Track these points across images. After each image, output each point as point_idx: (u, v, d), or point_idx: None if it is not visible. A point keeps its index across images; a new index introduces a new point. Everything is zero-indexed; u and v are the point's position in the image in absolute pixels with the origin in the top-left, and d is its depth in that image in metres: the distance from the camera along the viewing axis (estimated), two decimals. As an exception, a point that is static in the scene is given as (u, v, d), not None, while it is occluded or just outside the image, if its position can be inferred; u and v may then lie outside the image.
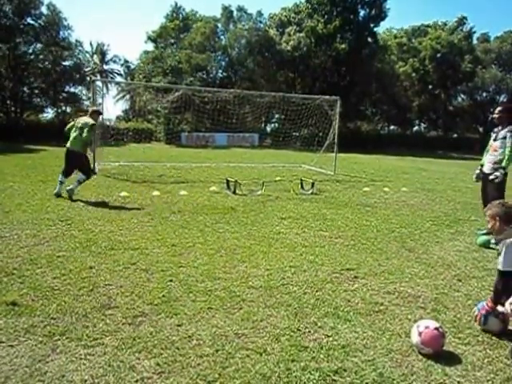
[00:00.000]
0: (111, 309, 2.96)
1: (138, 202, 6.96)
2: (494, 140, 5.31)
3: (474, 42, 38.12)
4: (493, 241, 4.92)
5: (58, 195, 6.96)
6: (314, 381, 2.23)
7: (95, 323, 2.75)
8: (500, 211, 2.78)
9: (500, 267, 2.70)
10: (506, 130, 5.12)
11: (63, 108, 30.83)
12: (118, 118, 41.19)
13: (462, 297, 3.43)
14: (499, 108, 5.34)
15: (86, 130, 6.87)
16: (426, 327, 2.53)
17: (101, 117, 8.74)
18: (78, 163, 7.05)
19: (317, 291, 3.42)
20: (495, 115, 5.34)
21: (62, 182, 7.04)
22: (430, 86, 36.55)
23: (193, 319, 2.86)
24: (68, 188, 6.86)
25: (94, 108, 7.84)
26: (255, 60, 32.69)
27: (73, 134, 7.01)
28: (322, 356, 2.46)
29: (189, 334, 2.65)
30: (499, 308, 2.81)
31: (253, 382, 2.20)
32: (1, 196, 6.88)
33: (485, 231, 5.09)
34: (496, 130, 5.34)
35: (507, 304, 2.88)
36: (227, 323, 2.82)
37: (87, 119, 7.13)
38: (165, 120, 28.24)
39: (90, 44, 45.00)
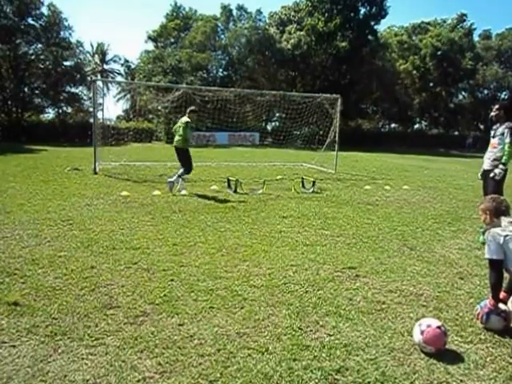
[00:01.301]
0: (113, 308, 2.96)
1: (138, 201, 6.96)
2: (493, 137, 5.36)
3: (476, 39, 38.04)
4: (482, 236, 4.94)
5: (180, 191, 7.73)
6: (316, 380, 2.22)
7: (97, 323, 2.75)
8: (490, 205, 2.99)
9: (487, 256, 2.80)
10: (504, 126, 5.16)
11: (64, 108, 30.80)
12: (118, 117, 41.26)
13: (464, 295, 3.42)
14: (496, 106, 5.41)
15: (182, 128, 7.79)
16: (428, 326, 2.52)
17: (101, 116, 9.01)
18: (181, 157, 7.95)
19: (318, 290, 3.41)
20: (493, 113, 5.39)
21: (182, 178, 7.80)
22: (431, 84, 36.45)
23: (194, 318, 2.86)
24: (169, 180, 7.90)
25: (192, 108, 8.34)
26: (255, 59, 32.63)
27: (176, 133, 7.97)
28: (323, 355, 2.45)
29: (190, 334, 2.65)
30: (501, 306, 2.80)
31: (254, 382, 2.19)
32: (2, 196, 6.89)
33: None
34: (494, 127, 5.39)
35: (510, 302, 2.87)
36: (229, 322, 2.82)
37: (185, 118, 7.99)
38: (165, 119, 28.22)
39: (91, 44, 45.04)
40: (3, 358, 2.32)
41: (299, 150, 20.94)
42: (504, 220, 2.86)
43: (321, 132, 16.96)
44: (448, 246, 4.90)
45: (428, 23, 38.55)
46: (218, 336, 2.63)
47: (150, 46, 36.32)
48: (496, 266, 2.77)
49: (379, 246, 4.78)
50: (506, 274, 2.82)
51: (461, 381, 2.27)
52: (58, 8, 27.09)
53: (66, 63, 28.59)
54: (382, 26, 36.13)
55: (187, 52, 30.47)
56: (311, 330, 2.74)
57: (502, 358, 2.50)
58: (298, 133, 22.68)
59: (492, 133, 5.42)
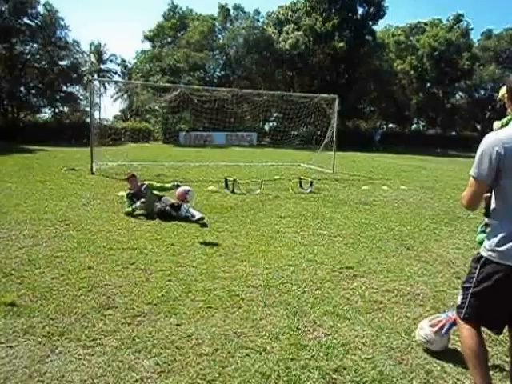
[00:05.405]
0: (110, 309, 2.96)
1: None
2: None
3: (478, 37, 38.38)
4: (479, 236, 4.92)
5: None
6: (314, 379, 2.22)
7: (94, 323, 2.74)
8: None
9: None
10: None
11: (60, 108, 30.69)
12: (115, 117, 41.14)
13: (461, 294, 3.43)
14: (504, 88, 5.17)
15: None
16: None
17: (97, 116, 8.76)
18: None
19: (316, 290, 3.42)
20: (503, 98, 5.16)
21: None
22: (428, 84, 36.56)
23: (192, 318, 2.85)
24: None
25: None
26: (253, 59, 32.61)
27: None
28: (321, 354, 2.46)
29: (188, 334, 2.65)
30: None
31: (252, 381, 2.19)
32: (-1, 196, 6.85)
33: (484, 229, 5.09)
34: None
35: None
36: (226, 322, 2.82)
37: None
38: (163, 119, 28.17)
39: (90, 44, 44.81)
40: (0, 359, 2.31)
41: (297, 150, 20.95)
42: None
43: (318, 132, 16.97)
44: (445, 245, 4.92)
45: (425, 23, 38.69)
46: (216, 336, 2.63)
47: (147, 45, 36.31)
48: None
49: (377, 245, 4.79)
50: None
51: (457, 379, 2.29)
52: (55, 7, 27.06)
53: (63, 63, 28.52)
54: (379, 26, 36.27)
55: (185, 51, 30.44)
56: (309, 330, 2.75)
57: (498, 357, 2.52)
58: (296, 133, 22.70)
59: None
